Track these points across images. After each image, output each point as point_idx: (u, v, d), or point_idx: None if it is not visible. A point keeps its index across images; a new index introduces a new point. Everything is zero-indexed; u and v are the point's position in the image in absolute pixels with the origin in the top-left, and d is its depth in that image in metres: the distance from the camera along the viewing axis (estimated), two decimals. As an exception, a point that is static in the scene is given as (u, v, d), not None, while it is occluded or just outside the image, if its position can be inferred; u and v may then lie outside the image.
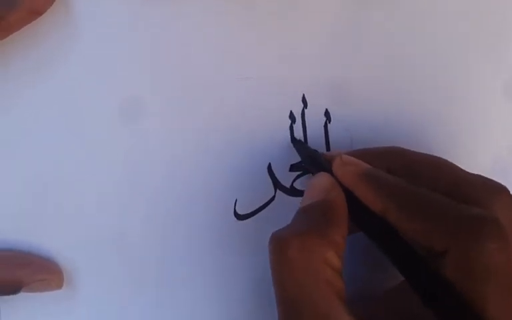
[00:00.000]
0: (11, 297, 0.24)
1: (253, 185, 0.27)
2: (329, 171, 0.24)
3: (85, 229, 0.26)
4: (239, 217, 0.27)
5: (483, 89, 0.30)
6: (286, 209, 0.28)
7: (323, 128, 0.28)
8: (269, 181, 0.28)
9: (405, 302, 0.23)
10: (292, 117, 0.28)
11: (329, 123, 0.28)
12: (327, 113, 0.28)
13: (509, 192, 0.22)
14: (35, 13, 0.24)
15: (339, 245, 0.20)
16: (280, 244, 0.20)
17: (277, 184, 0.28)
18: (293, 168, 0.28)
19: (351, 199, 0.22)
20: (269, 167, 0.27)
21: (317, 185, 0.23)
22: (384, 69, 0.28)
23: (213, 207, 0.27)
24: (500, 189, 0.22)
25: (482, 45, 0.29)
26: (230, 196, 0.27)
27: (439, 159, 0.24)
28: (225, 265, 0.27)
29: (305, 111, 0.28)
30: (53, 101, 0.25)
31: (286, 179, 0.28)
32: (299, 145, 0.27)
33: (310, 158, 0.26)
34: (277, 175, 0.28)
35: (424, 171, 0.23)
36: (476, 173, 0.23)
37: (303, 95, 0.28)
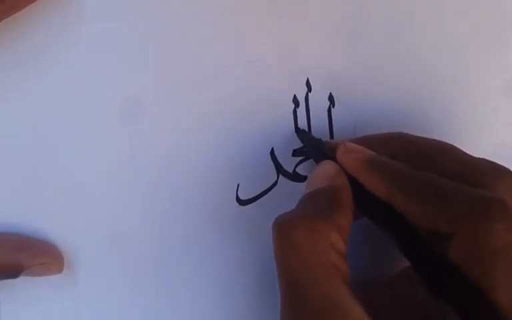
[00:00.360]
0: (11, 282, 0.24)
1: (255, 170, 0.27)
2: (332, 159, 0.24)
3: (85, 220, 0.26)
4: (241, 202, 0.27)
5: (484, 80, 0.29)
6: (288, 194, 0.27)
7: (326, 112, 0.28)
8: (272, 165, 0.27)
9: (409, 288, 0.23)
10: (295, 101, 0.27)
11: (333, 107, 0.28)
12: (330, 98, 0.27)
13: None
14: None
15: (344, 229, 0.20)
16: (285, 227, 0.20)
17: (279, 169, 0.27)
18: (295, 153, 0.27)
19: (356, 185, 0.22)
20: (272, 152, 0.27)
21: (322, 172, 0.23)
22: (388, 56, 0.28)
23: (215, 192, 0.27)
24: (504, 171, 0.22)
25: (483, 37, 0.29)
26: (232, 181, 0.27)
27: (443, 143, 0.24)
28: (226, 249, 0.27)
29: (309, 95, 0.27)
30: (52, 97, 0.25)
31: (289, 163, 0.27)
32: (303, 134, 0.27)
33: (314, 147, 0.26)
34: (279, 160, 0.27)
35: (428, 156, 0.23)
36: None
37: (307, 78, 0.27)
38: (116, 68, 0.25)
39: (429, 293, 0.19)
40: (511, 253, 0.18)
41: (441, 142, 0.24)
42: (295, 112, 0.27)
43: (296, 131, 0.27)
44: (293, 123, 0.27)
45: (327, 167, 0.23)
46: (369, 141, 0.24)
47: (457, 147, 0.24)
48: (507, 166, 0.22)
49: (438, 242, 0.20)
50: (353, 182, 0.22)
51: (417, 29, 0.28)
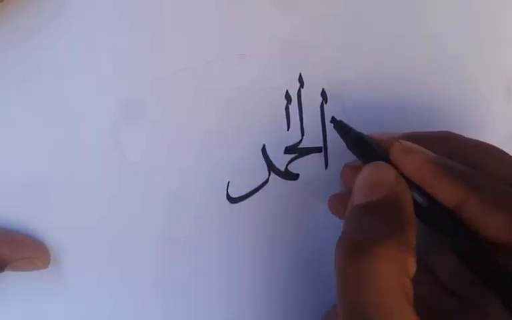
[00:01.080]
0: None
1: (246, 167, 0.27)
2: (381, 158, 0.21)
3: (72, 215, 0.25)
4: (231, 199, 0.26)
5: (481, 82, 0.28)
6: (280, 193, 0.27)
7: (319, 108, 0.27)
8: (263, 163, 0.27)
9: (428, 285, 0.22)
10: (288, 96, 0.27)
11: (326, 103, 0.27)
12: (323, 93, 0.27)
13: None
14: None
15: (414, 248, 0.19)
16: (361, 250, 0.18)
17: (271, 166, 0.27)
18: (287, 150, 0.27)
19: (415, 190, 0.20)
20: (263, 149, 0.27)
21: (378, 177, 0.20)
22: (383, 52, 0.27)
23: (205, 189, 0.26)
24: None
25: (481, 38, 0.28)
26: (222, 178, 0.26)
27: (497, 148, 0.22)
28: (216, 247, 0.27)
29: (301, 90, 0.27)
30: (39, 95, 0.25)
31: (280, 161, 0.27)
32: (341, 126, 0.24)
33: (356, 142, 0.23)
34: (271, 157, 0.27)
35: (484, 161, 0.21)
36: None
37: (300, 74, 0.27)
38: (105, 68, 0.25)
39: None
40: None
41: (493, 146, 0.22)
42: (287, 108, 0.27)
43: (331, 121, 0.25)
44: (285, 119, 0.27)
45: (383, 171, 0.20)
46: (419, 139, 0.22)
47: (505, 151, 0.22)
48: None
49: (506, 253, 0.19)
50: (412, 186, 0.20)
51: (413, 26, 0.28)
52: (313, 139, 0.27)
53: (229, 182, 0.26)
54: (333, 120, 0.25)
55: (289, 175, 0.27)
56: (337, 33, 0.27)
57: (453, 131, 0.26)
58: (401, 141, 0.21)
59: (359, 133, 0.23)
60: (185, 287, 0.26)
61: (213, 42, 0.26)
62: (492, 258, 0.19)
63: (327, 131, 0.27)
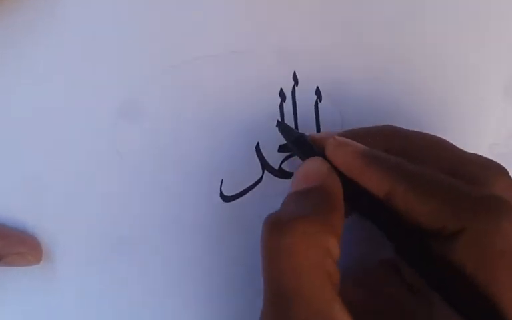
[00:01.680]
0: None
1: (239, 166, 0.26)
2: (318, 154, 0.22)
3: (65, 211, 0.26)
4: (224, 198, 0.26)
5: (481, 82, 0.28)
6: (274, 191, 0.27)
7: (313, 107, 0.27)
8: (257, 161, 0.26)
9: (395, 285, 0.22)
10: (282, 94, 0.26)
11: (320, 101, 0.27)
12: (317, 92, 0.27)
13: (508, 173, 0.21)
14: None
15: (339, 232, 0.19)
16: (280, 227, 0.19)
17: (264, 165, 0.26)
18: (281, 148, 0.26)
19: (347, 183, 0.21)
20: (257, 147, 0.26)
21: (311, 169, 0.21)
22: (379, 50, 0.27)
23: (198, 188, 0.26)
24: (500, 169, 0.21)
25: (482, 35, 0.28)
26: (216, 176, 0.26)
27: (437, 138, 0.23)
28: (209, 247, 0.26)
29: (296, 88, 0.26)
30: (34, 95, 0.25)
31: (274, 159, 0.27)
32: (284, 127, 0.26)
33: (297, 141, 0.24)
34: (264, 156, 0.26)
35: (422, 151, 0.22)
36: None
37: (294, 71, 0.26)
38: (100, 67, 0.25)
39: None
40: None
41: (435, 136, 0.23)
42: (281, 106, 0.26)
43: (277, 125, 0.26)
44: (279, 117, 0.26)
45: (317, 163, 0.21)
46: (357, 135, 0.22)
47: (448, 141, 0.22)
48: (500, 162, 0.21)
49: (440, 241, 0.19)
50: (344, 180, 0.21)
51: (411, 24, 0.27)
52: (307, 137, 0.26)
53: (222, 180, 0.26)
54: (277, 123, 0.26)
55: (282, 174, 0.27)
56: (332, 31, 0.26)
57: (453, 132, 0.26)
58: (335, 136, 0.22)
59: (301, 134, 0.24)
60: (179, 285, 0.26)
61: (207, 39, 0.26)
62: (422, 246, 0.19)
63: (322, 130, 0.27)
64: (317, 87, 0.27)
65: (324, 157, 0.22)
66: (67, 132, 0.25)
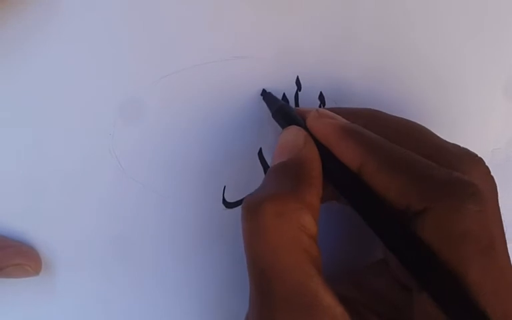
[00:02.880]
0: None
1: (242, 172, 0.26)
2: (301, 126, 0.22)
3: (65, 222, 0.25)
4: (227, 204, 0.26)
5: (481, 82, 0.28)
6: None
7: (317, 112, 0.27)
8: (260, 167, 0.26)
9: (375, 282, 0.23)
10: (285, 99, 0.26)
11: (323, 107, 0.27)
12: (321, 97, 0.26)
13: (484, 162, 0.22)
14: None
15: (315, 208, 0.19)
16: (252, 209, 0.19)
17: (267, 170, 0.26)
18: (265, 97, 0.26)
19: (325, 154, 0.21)
20: (260, 153, 0.26)
21: (288, 140, 0.21)
22: (381, 55, 0.27)
23: (201, 194, 0.26)
24: (476, 158, 0.22)
25: (480, 38, 0.28)
26: (218, 182, 0.26)
27: (418, 125, 0.23)
28: (212, 254, 0.26)
29: (299, 93, 0.26)
30: (28, 94, 0.24)
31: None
32: (269, 97, 0.25)
33: (280, 111, 0.24)
34: (267, 161, 0.26)
35: (402, 135, 0.22)
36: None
37: (297, 76, 0.26)
38: (98, 70, 0.24)
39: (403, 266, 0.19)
40: (482, 235, 0.18)
41: (414, 123, 0.23)
42: (284, 111, 0.26)
43: (261, 94, 0.25)
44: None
45: (293, 133, 0.22)
46: (339, 112, 0.23)
47: (431, 130, 0.23)
48: (502, 167, 0.22)
49: (408, 219, 0.19)
50: (322, 150, 0.21)
51: (412, 28, 0.27)
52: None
53: (225, 187, 0.26)
54: (263, 92, 0.26)
55: (286, 179, 0.26)
56: (335, 36, 0.26)
57: (452, 132, 0.26)
58: (318, 109, 0.22)
59: (284, 104, 0.24)
60: (180, 292, 0.26)
61: (209, 44, 0.25)
62: (394, 224, 0.19)
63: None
64: (320, 92, 0.26)
65: (306, 128, 0.22)
66: (65, 140, 0.25)
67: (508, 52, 0.28)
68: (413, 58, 0.27)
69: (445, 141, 0.22)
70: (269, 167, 0.26)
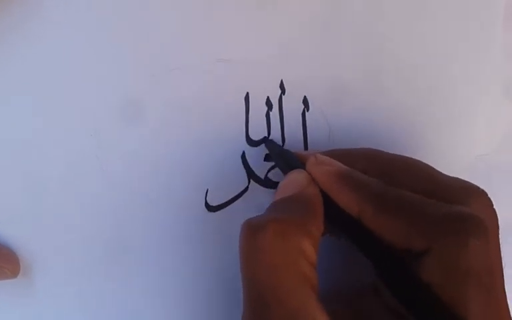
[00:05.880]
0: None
1: (225, 175, 0.26)
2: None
3: (43, 225, 0.25)
4: (209, 208, 0.26)
5: (469, 87, 0.28)
6: (260, 201, 0.26)
7: (300, 116, 0.26)
8: (243, 170, 0.26)
9: (368, 305, 0.22)
10: (269, 103, 0.26)
11: (307, 111, 0.26)
12: (305, 101, 0.26)
13: (487, 194, 0.21)
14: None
15: (316, 238, 0.19)
16: (254, 229, 0.19)
17: (250, 174, 0.26)
18: (268, 158, 0.26)
19: (326, 199, 0.21)
20: (243, 156, 0.26)
21: (293, 180, 0.22)
22: (367, 59, 0.27)
23: (182, 197, 0.25)
24: (478, 191, 0.21)
25: (466, 46, 0.28)
26: (201, 186, 0.26)
27: (416, 161, 0.23)
28: (194, 259, 0.26)
29: (283, 97, 0.26)
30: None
31: (260, 169, 0.26)
32: (270, 144, 0.26)
33: (282, 157, 0.25)
34: (250, 165, 0.26)
35: (400, 173, 0.22)
36: (459, 169, 0.22)
37: (281, 80, 0.26)
38: (79, 74, 0.24)
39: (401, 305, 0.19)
40: (484, 271, 0.18)
41: (414, 159, 0.23)
42: (267, 115, 0.26)
43: (263, 141, 0.26)
44: (266, 126, 0.26)
45: (298, 175, 0.22)
46: (338, 155, 0.23)
47: (428, 164, 0.23)
48: (488, 173, 0.21)
49: (410, 260, 0.19)
50: (324, 196, 0.21)
51: (409, 26, 0.27)
52: (293, 146, 0.26)
53: (207, 190, 0.26)
54: (264, 139, 0.26)
55: (269, 183, 0.26)
56: (320, 40, 0.26)
57: (452, 132, 0.26)
58: (316, 155, 0.23)
59: (285, 150, 0.25)
60: (162, 296, 0.26)
61: (192, 46, 0.25)
62: (395, 264, 0.19)
63: (308, 139, 0.26)
64: (305, 96, 0.26)
65: None
66: (46, 141, 0.24)
67: (493, 56, 0.28)
68: (399, 62, 0.27)
69: (446, 175, 0.22)
70: (252, 170, 0.26)
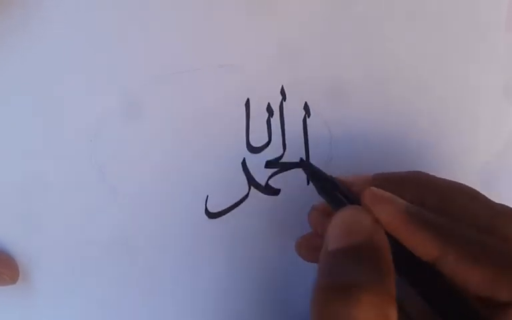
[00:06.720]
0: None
1: (225, 181, 0.26)
2: (353, 202, 0.21)
3: (43, 231, 0.25)
4: (210, 214, 0.26)
5: (470, 87, 0.28)
6: (260, 208, 0.26)
7: (301, 122, 0.26)
8: (243, 177, 0.26)
9: None
10: (270, 109, 0.26)
11: (308, 117, 0.26)
12: (306, 107, 0.26)
13: None
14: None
15: (395, 297, 0.18)
16: (341, 294, 0.17)
17: (251, 181, 0.26)
18: (268, 164, 0.26)
19: (392, 243, 0.19)
20: (244, 162, 0.26)
21: (355, 222, 0.19)
22: (367, 65, 0.27)
23: (183, 204, 0.25)
24: None
25: (465, 47, 0.27)
26: (201, 192, 0.25)
27: (471, 189, 0.22)
28: (194, 264, 0.26)
29: (284, 103, 0.26)
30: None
31: (261, 175, 0.26)
32: (311, 168, 0.24)
33: (327, 186, 0.22)
34: (251, 171, 0.26)
35: (458, 205, 0.21)
36: (462, 174, 0.22)
37: (282, 86, 0.26)
38: (76, 77, 0.24)
39: None
40: None
41: (460, 184, 0.22)
42: (268, 121, 0.26)
43: (300, 163, 0.25)
44: (267, 132, 0.26)
45: (359, 216, 0.20)
46: (389, 182, 0.21)
47: (476, 189, 0.22)
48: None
49: (488, 309, 0.18)
50: (389, 238, 0.19)
51: (402, 30, 0.27)
52: (295, 153, 0.26)
53: (207, 196, 0.26)
54: (301, 162, 0.25)
55: (269, 190, 0.26)
56: (321, 46, 0.26)
57: (450, 132, 0.26)
58: (372, 188, 0.20)
59: (330, 177, 0.23)
60: (163, 303, 0.26)
61: (193, 52, 0.25)
62: (467, 310, 0.18)
63: (310, 146, 0.26)
64: (305, 103, 0.26)
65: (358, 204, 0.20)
66: (43, 144, 0.24)
67: (497, 61, 0.28)
68: (408, 56, 0.27)
69: (495, 203, 0.21)
70: (252, 177, 0.26)
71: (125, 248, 0.25)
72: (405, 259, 0.19)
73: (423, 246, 0.19)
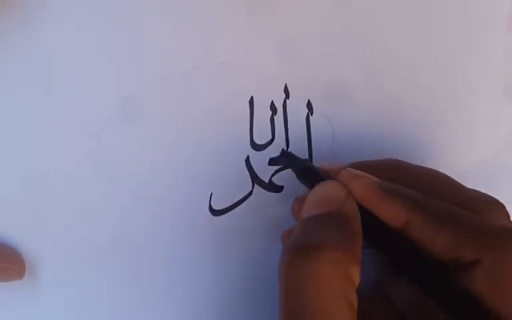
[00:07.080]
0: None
1: (229, 179, 0.26)
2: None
3: (49, 226, 0.25)
4: (214, 212, 0.26)
5: (470, 87, 0.28)
6: (264, 205, 0.26)
7: (304, 120, 0.26)
8: (247, 174, 0.26)
9: (384, 308, 0.22)
10: (273, 107, 0.26)
11: (311, 115, 0.26)
12: (309, 105, 0.26)
13: (505, 207, 0.22)
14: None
15: (360, 260, 0.19)
16: (305, 252, 0.18)
17: (254, 178, 0.26)
18: (272, 162, 0.26)
19: (363, 213, 0.21)
20: (247, 160, 0.26)
21: (329, 193, 0.21)
22: (369, 63, 0.27)
23: (187, 201, 0.26)
24: (498, 203, 0.22)
25: (467, 45, 0.28)
26: (205, 190, 0.26)
27: (440, 173, 0.23)
28: (198, 263, 0.26)
29: (287, 101, 0.26)
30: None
31: (265, 173, 0.26)
32: (291, 157, 0.25)
33: (305, 171, 0.24)
34: (255, 169, 0.26)
35: (428, 185, 0.22)
36: (461, 173, 0.22)
37: (285, 84, 0.26)
38: (81, 76, 0.24)
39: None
40: None
41: (437, 171, 0.23)
42: (272, 119, 0.26)
43: (282, 155, 0.26)
44: (270, 130, 0.26)
45: (333, 188, 0.21)
46: (365, 167, 0.22)
47: (451, 177, 0.23)
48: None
49: (457, 271, 0.19)
50: (361, 210, 0.21)
51: (402, 30, 0.27)
52: (298, 150, 0.26)
53: (211, 194, 0.26)
54: (282, 152, 0.26)
55: (273, 187, 0.26)
56: (323, 44, 0.26)
57: (450, 131, 0.26)
58: (347, 168, 0.22)
59: (307, 163, 0.24)
60: (165, 300, 0.26)
61: (197, 50, 0.25)
62: (442, 275, 0.19)
63: (313, 143, 0.26)
64: (308, 100, 0.26)
65: None
66: (49, 141, 0.25)
67: (497, 62, 0.28)
68: (407, 56, 0.27)
69: (466, 188, 0.22)
70: (256, 174, 0.26)
71: (129, 245, 0.25)
72: (376, 228, 0.20)
73: (392, 212, 0.20)
